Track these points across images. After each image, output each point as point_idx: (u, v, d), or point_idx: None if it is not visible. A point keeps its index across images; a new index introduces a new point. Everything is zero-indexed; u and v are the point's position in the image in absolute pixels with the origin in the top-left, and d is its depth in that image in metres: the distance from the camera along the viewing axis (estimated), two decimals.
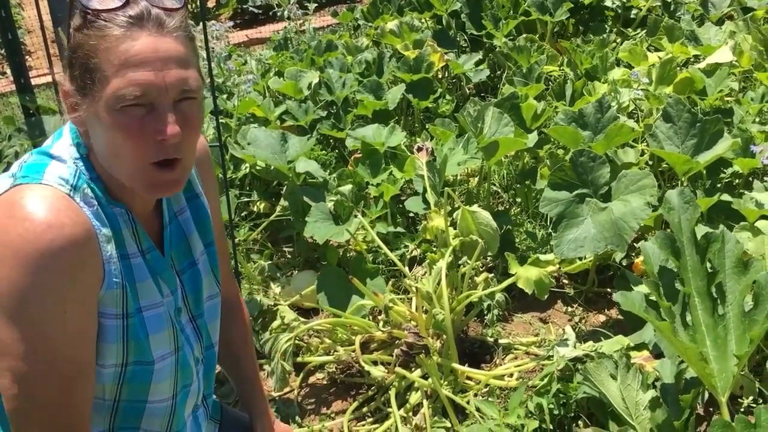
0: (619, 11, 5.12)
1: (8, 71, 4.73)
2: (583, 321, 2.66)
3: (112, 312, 1.07)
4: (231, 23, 6.56)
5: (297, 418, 2.33)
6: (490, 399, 2.21)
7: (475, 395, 2.27)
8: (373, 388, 2.40)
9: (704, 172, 2.78)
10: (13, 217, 0.97)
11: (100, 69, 1.00)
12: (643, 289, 2.14)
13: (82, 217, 1.01)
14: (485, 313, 2.60)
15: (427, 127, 3.66)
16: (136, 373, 1.11)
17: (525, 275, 2.47)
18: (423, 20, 5.17)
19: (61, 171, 1.05)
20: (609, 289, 2.76)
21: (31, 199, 0.98)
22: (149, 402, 1.15)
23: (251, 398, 1.50)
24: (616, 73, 3.77)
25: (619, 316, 2.58)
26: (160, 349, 1.14)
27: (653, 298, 1.94)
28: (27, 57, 6.50)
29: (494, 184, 3.53)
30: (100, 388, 1.10)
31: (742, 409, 1.92)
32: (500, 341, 2.53)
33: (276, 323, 2.43)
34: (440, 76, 4.59)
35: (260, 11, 7.95)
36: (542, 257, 2.57)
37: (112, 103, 1.00)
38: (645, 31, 4.79)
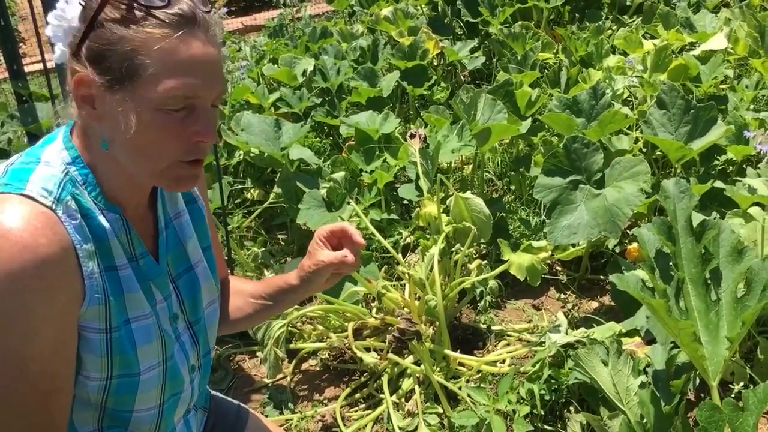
0: None
1: (1, 58, 4.71)
2: (576, 308, 2.66)
3: (95, 326, 1.05)
4: (225, 10, 6.53)
5: (290, 404, 2.33)
6: (482, 385, 2.21)
7: (467, 381, 2.27)
8: (365, 374, 2.40)
9: (698, 159, 2.78)
10: None
11: (148, 67, 0.98)
12: (638, 274, 2.14)
13: (59, 235, 0.98)
14: (478, 299, 2.60)
15: (421, 114, 3.65)
16: (121, 385, 1.10)
17: (517, 262, 2.47)
18: (418, 7, 5.15)
19: (46, 179, 1.01)
20: (602, 276, 2.77)
21: (8, 215, 0.95)
22: (135, 411, 1.14)
23: (282, 283, 1.36)
24: (611, 60, 3.77)
25: (612, 303, 2.59)
26: (147, 361, 1.12)
27: (648, 283, 1.95)
28: (20, 44, 6.47)
29: (488, 172, 3.53)
30: (86, 395, 1.09)
31: (732, 395, 1.92)
32: (493, 328, 2.54)
33: None
34: (435, 63, 4.58)
35: None
36: (535, 244, 2.57)
37: (159, 103, 0.99)
38: (641, 18, 4.77)
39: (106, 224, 1.07)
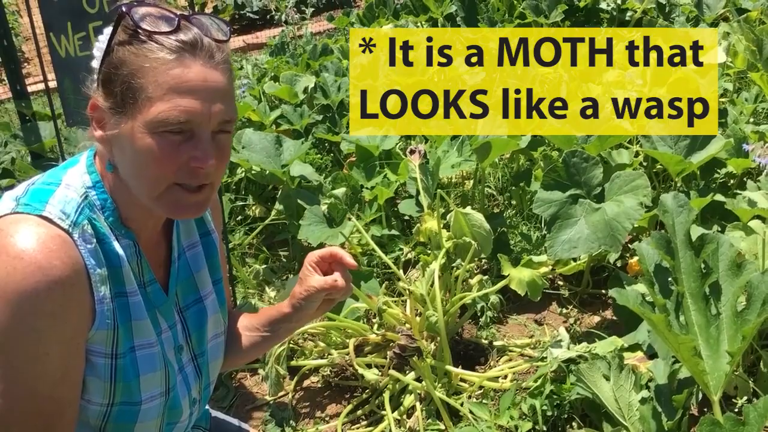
0: (615, 13, 5.13)
1: (5, 78, 4.75)
2: (578, 322, 2.66)
3: (101, 350, 1.05)
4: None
5: (291, 422, 2.33)
6: (484, 401, 2.21)
7: (469, 397, 2.27)
8: (367, 390, 2.39)
9: (698, 172, 2.78)
10: (3, 253, 0.95)
11: (145, 90, 0.99)
12: (638, 288, 2.14)
13: (74, 258, 0.99)
14: (479, 315, 2.60)
15: None
16: (121, 413, 1.10)
17: (518, 276, 2.47)
18: (418, 23, 5.18)
19: (65, 202, 1.02)
20: (604, 291, 2.76)
21: (25, 235, 0.96)
22: None
23: (275, 312, 1.34)
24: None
25: (614, 318, 2.58)
26: (149, 391, 1.12)
27: (648, 298, 1.94)
28: (24, 64, 6.53)
29: (489, 187, 3.53)
30: (86, 419, 1.09)
31: (736, 410, 1.91)
32: (495, 343, 2.53)
33: None
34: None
35: (257, 17, 7.97)
36: (535, 258, 2.57)
37: (153, 126, 0.99)
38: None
39: (119, 250, 1.07)
